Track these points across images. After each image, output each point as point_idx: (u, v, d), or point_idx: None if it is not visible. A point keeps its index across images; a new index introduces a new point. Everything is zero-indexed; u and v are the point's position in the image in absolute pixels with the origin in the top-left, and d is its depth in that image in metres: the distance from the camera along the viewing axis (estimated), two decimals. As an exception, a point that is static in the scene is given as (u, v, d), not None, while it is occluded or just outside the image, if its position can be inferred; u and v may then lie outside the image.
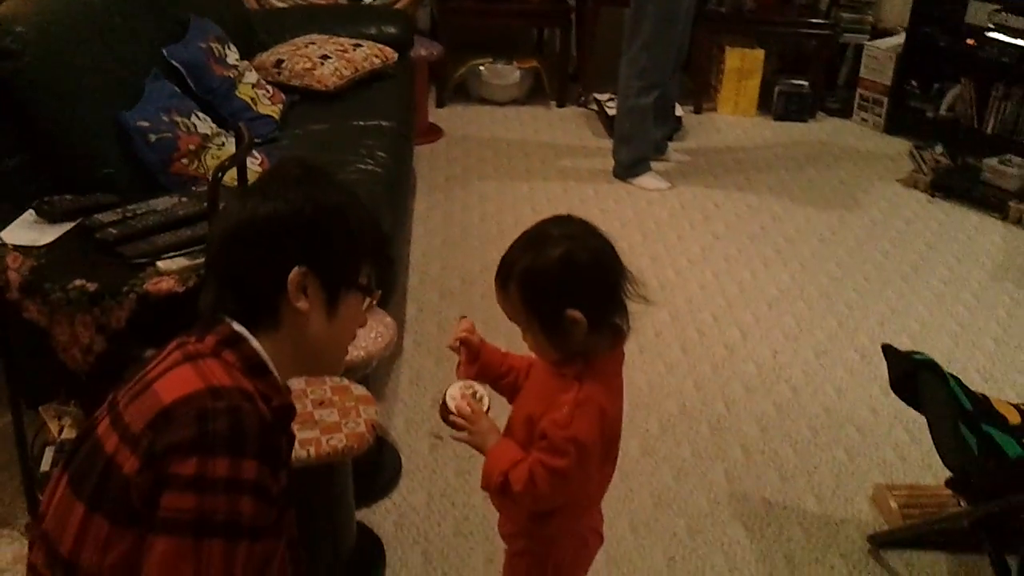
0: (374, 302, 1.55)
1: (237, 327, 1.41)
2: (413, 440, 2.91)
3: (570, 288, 1.60)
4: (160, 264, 2.24)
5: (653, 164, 4.83)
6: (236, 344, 1.40)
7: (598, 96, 5.60)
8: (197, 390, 1.31)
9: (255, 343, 1.41)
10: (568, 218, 1.68)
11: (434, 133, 5.26)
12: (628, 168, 4.77)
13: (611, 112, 5.12)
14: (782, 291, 3.85)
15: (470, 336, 1.83)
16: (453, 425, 1.74)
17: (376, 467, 2.76)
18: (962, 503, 2.49)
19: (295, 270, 1.40)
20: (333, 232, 1.45)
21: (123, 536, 1.29)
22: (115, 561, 1.30)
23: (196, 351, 1.38)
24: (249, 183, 2.68)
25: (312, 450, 2.12)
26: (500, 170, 4.88)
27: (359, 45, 4.30)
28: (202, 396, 1.30)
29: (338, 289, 1.47)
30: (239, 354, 1.39)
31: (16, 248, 2.28)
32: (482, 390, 1.78)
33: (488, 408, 1.76)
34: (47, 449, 2.47)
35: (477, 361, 1.83)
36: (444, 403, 1.75)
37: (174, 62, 3.42)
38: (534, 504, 1.72)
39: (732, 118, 5.74)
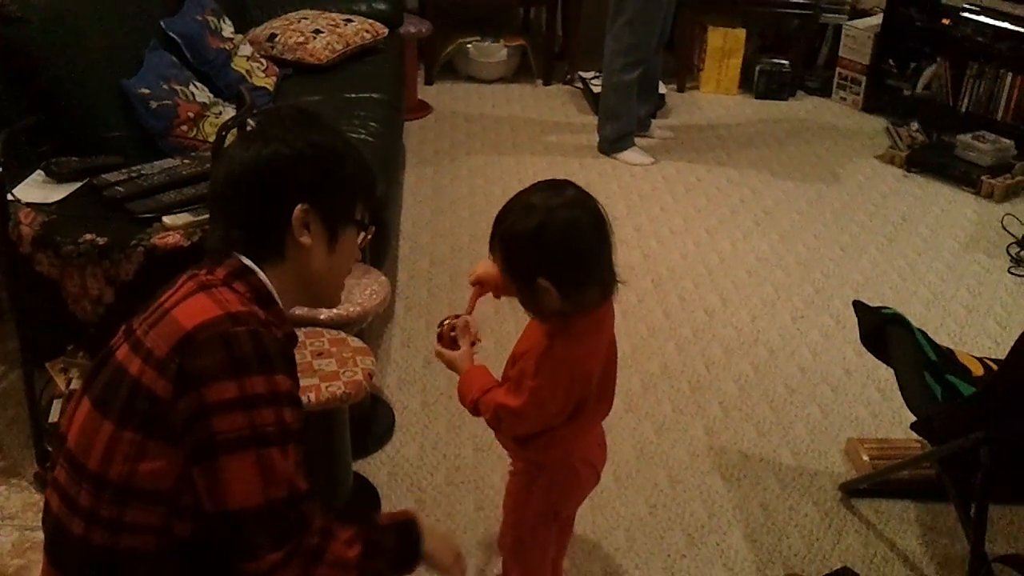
0: (368, 237, 1.65)
1: (245, 260, 1.50)
2: (405, 397, 3.02)
3: (539, 259, 1.70)
4: (166, 220, 2.34)
5: (637, 140, 4.94)
6: (245, 276, 1.49)
7: (583, 74, 5.70)
8: (217, 316, 1.40)
9: (262, 275, 1.50)
10: (559, 185, 1.76)
11: (423, 109, 5.36)
12: (612, 143, 4.89)
13: (596, 89, 5.22)
14: (761, 260, 3.98)
15: (487, 277, 1.95)
16: (439, 339, 1.95)
17: (370, 421, 2.87)
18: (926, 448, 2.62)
19: (298, 207, 1.50)
20: (331, 171, 1.54)
21: (153, 449, 1.39)
22: (144, 475, 1.39)
23: (208, 281, 1.47)
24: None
25: (312, 396, 2.23)
26: (488, 145, 4.98)
27: (350, 20, 4.39)
28: (222, 321, 1.39)
29: (337, 224, 1.56)
30: (248, 285, 1.48)
31: (28, 205, 2.37)
32: (475, 326, 1.93)
33: (475, 341, 1.93)
34: (55, 402, 2.56)
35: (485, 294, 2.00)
36: (441, 323, 1.94)
37: (172, 33, 3.51)
38: (502, 432, 1.90)
39: (714, 96, 5.86)
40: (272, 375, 1.40)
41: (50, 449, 2.53)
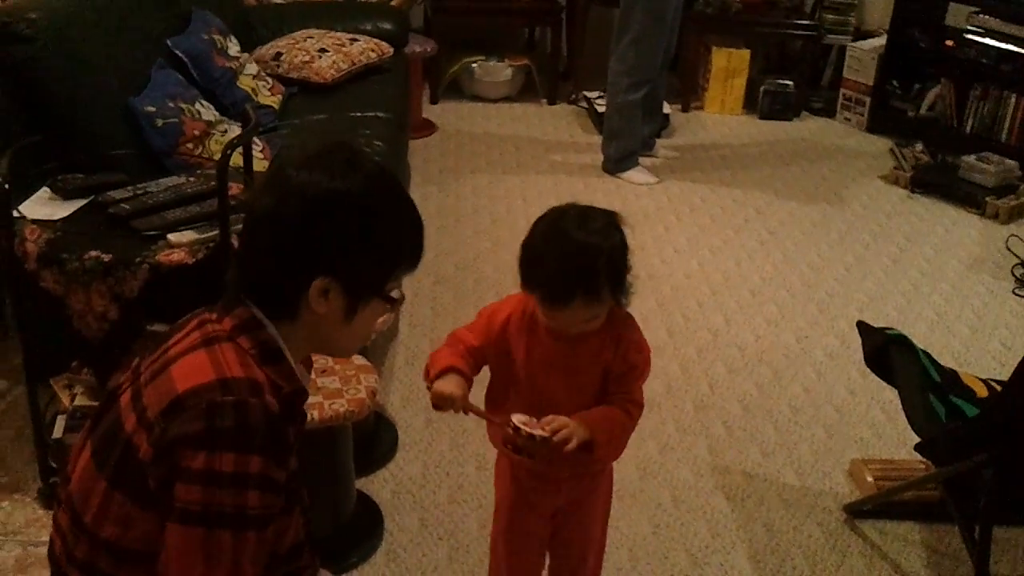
0: (396, 311, 1.58)
1: (256, 312, 1.43)
2: (409, 415, 3.02)
3: (616, 275, 1.76)
4: (171, 237, 2.35)
5: (641, 160, 4.95)
6: (253, 330, 1.42)
7: (588, 94, 5.72)
8: (208, 382, 1.34)
9: (272, 329, 1.44)
10: (588, 214, 1.77)
11: (428, 128, 5.38)
12: (617, 163, 4.90)
13: (601, 109, 5.24)
14: (765, 280, 3.98)
15: (458, 394, 1.80)
16: (519, 450, 1.77)
17: (374, 439, 2.87)
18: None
19: (319, 280, 1.41)
20: (369, 238, 1.43)
21: (142, 516, 1.36)
22: (136, 538, 1.37)
23: (214, 333, 1.42)
24: (254, 168, 2.80)
25: (315, 414, 2.24)
26: (492, 164, 5.00)
27: (355, 40, 4.41)
28: (212, 389, 1.34)
29: (360, 298, 1.47)
30: (254, 340, 1.42)
31: (33, 222, 2.38)
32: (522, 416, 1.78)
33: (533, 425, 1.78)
34: (59, 417, 2.56)
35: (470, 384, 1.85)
36: (515, 429, 1.74)
37: (178, 52, 3.53)
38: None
39: (719, 116, 5.87)
40: (245, 454, 1.33)
41: (54, 465, 2.54)
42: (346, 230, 1.41)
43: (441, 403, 1.79)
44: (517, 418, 1.75)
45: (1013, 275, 4.11)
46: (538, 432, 1.73)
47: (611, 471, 2.06)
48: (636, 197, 4.70)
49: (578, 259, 1.70)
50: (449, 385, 1.79)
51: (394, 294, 1.51)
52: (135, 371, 1.48)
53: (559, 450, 1.74)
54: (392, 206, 1.48)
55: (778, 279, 3.99)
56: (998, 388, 2.54)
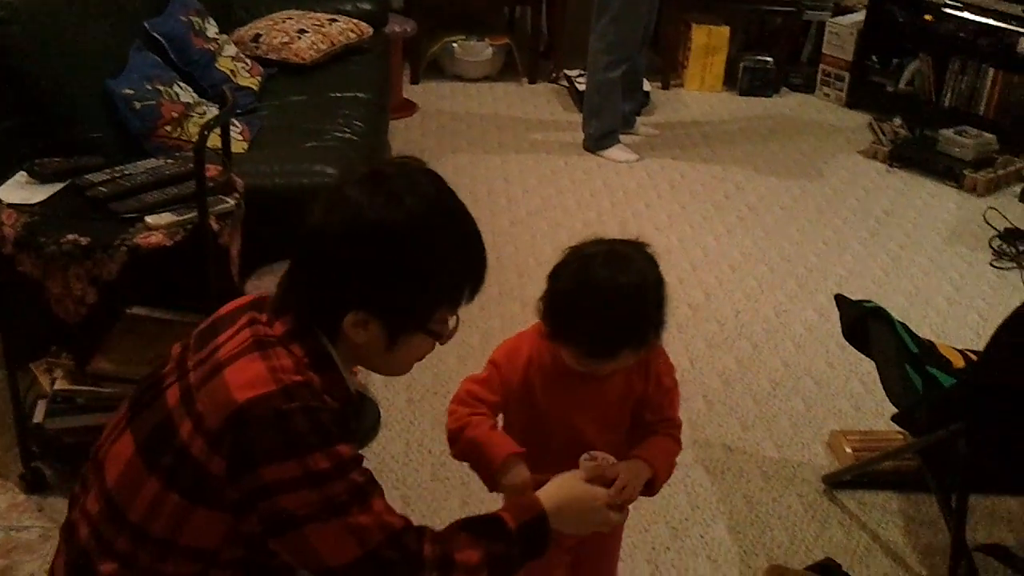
0: (442, 343, 1.51)
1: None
2: (391, 394, 3.03)
3: (655, 313, 1.68)
4: (149, 219, 2.34)
5: (622, 137, 4.96)
6: (304, 338, 1.41)
7: (568, 72, 5.72)
8: (269, 392, 1.33)
9: (324, 338, 1.43)
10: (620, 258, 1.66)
11: (409, 108, 5.37)
12: (597, 141, 4.91)
13: (581, 88, 5.23)
14: (745, 255, 4.00)
15: (527, 479, 1.68)
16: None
17: (357, 418, 2.88)
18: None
19: (351, 315, 1.39)
20: (410, 276, 1.40)
21: (201, 513, 1.36)
22: (189, 534, 1.37)
23: (267, 337, 1.40)
24: (233, 149, 2.80)
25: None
26: (473, 144, 5.00)
27: (335, 20, 4.39)
28: (275, 397, 1.33)
29: (401, 333, 1.44)
30: (306, 348, 1.40)
31: (10, 206, 2.38)
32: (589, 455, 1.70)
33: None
34: (39, 402, 2.56)
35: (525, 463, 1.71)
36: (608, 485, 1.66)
37: (156, 34, 3.51)
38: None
39: (699, 93, 5.88)
40: (332, 447, 1.34)
41: (35, 450, 2.54)
42: (386, 264, 1.38)
43: (516, 493, 1.67)
44: (587, 467, 1.66)
45: (991, 247, 4.14)
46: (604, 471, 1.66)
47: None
48: (617, 175, 4.71)
49: (621, 310, 1.59)
50: (520, 476, 1.66)
51: (443, 327, 1.47)
52: (180, 363, 1.46)
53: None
54: (443, 240, 1.42)
55: (757, 254, 4.02)
56: (974, 359, 2.56)
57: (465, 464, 1.75)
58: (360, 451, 1.42)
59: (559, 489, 1.60)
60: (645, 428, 1.79)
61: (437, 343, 1.51)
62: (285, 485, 1.32)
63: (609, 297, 1.59)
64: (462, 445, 1.72)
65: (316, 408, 1.35)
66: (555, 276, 1.65)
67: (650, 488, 1.76)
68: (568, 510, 1.59)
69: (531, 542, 1.52)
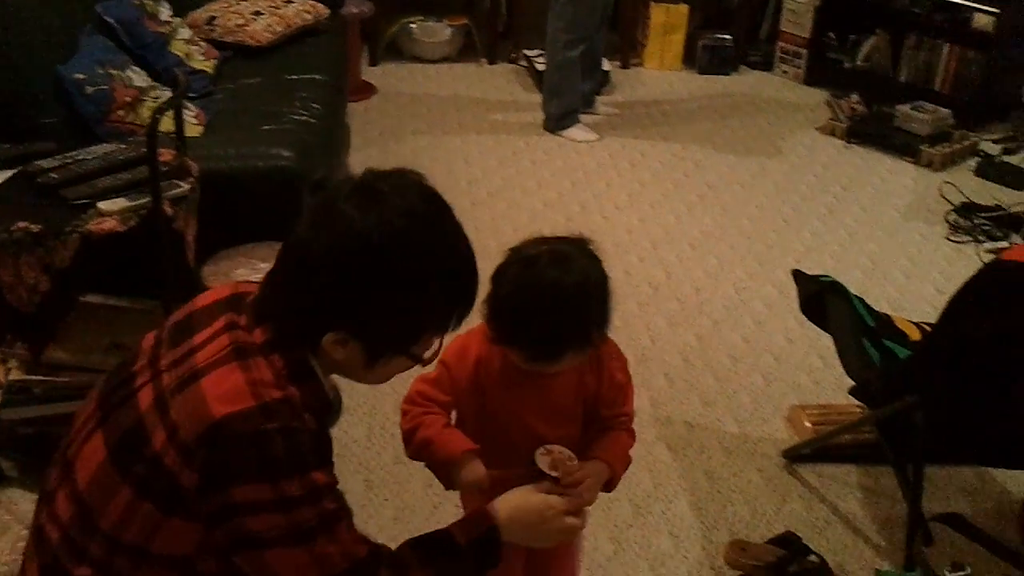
0: (423, 366, 1.49)
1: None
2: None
3: (600, 311, 1.66)
4: (102, 205, 2.32)
5: (582, 117, 4.96)
6: (285, 348, 1.37)
7: (528, 52, 5.70)
8: (249, 408, 1.29)
9: (304, 348, 1.39)
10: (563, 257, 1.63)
11: (367, 90, 5.33)
12: (557, 121, 4.90)
13: (540, 68, 5.22)
14: (704, 233, 4.02)
15: (484, 473, 1.68)
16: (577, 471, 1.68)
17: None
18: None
19: (329, 335, 1.36)
20: (393, 303, 1.37)
21: (172, 523, 1.33)
22: (163, 542, 1.34)
23: (246, 344, 1.36)
24: (188, 133, 2.77)
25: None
26: (433, 125, 4.98)
27: (290, 1, 4.35)
28: (254, 415, 1.29)
29: (380, 355, 1.42)
30: (286, 358, 1.36)
31: (-41, 194, 2.35)
32: (544, 450, 1.70)
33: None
34: (-6, 391, 2.54)
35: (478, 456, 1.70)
36: (555, 480, 1.65)
37: (107, 18, 3.46)
38: None
39: (658, 72, 5.88)
40: (307, 474, 1.31)
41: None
42: (372, 289, 1.34)
43: (470, 489, 1.69)
44: (542, 462, 1.66)
45: (947, 221, 4.19)
46: (564, 472, 1.66)
47: None
48: (577, 154, 4.71)
49: (564, 313, 1.58)
50: (476, 472, 1.66)
51: (426, 351, 1.45)
52: (152, 360, 1.41)
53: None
54: (434, 267, 1.38)
55: (717, 232, 4.04)
56: (930, 331, 2.60)
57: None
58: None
59: (512, 502, 1.58)
60: (601, 423, 1.80)
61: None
62: (255, 507, 1.29)
63: (552, 300, 1.58)
64: (416, 445, 1.72)
65: (295, 430, 1.31)
66: (497, 280, 1.62)
67: (608, 485, 1.77)
68: (521, 523, 1.57)
69: (482, 557, 1.52)
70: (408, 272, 1.35)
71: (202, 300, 1.49)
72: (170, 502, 1.32)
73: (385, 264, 1.33)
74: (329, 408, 1.45)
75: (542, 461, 1.66)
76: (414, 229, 1.35)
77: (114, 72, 3.14)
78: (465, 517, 1.58)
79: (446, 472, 1.69)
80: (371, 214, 1.33)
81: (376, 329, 1.38)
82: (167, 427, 1.32)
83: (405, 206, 1.36)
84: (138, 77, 3.26)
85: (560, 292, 1.57)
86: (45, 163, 2.47)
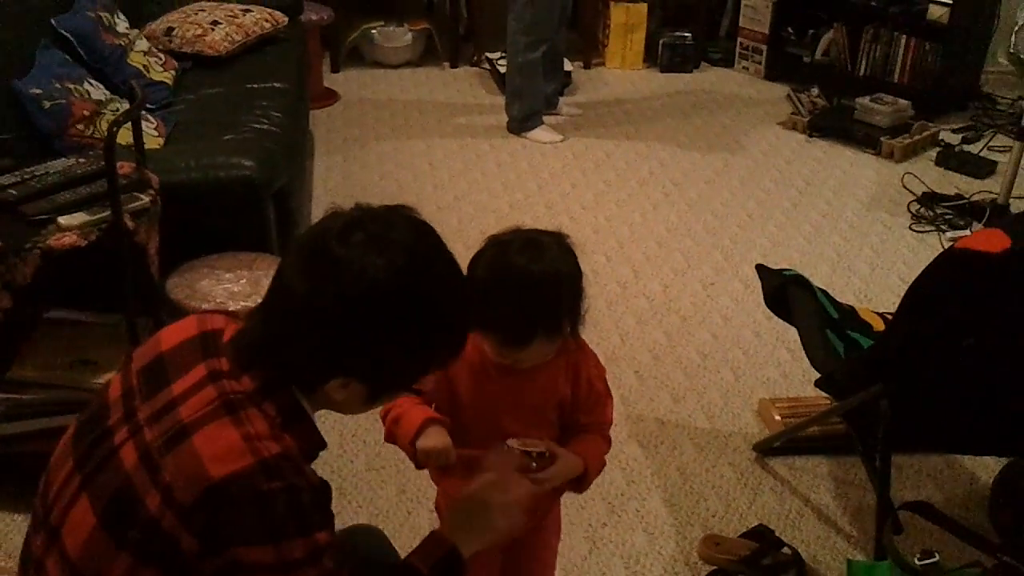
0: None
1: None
2: (322, 386, 3.01)
3: (569, 302, 1.67)
4: (61, 220, 2.30)
5: (545, 118, 4.97)
6: (276, 395, 1.33)
7: (490, 55, 5.70)
8: (247, 467, 1.24)
9: (297, 392, 1.36)
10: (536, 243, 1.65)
11: (329, 97, 5.32)
12: (521, 123, 4.91)
13: (503, 70, 5.22)
14: (670, 230, 4.04)
15: (448, 443, 1.68)
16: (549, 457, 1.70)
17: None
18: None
19: (334, 381, 1.33)
20: (396, 346, 1.34)
21: None
22: None
23: (234, 394, 1.31)
24: (147, 145, 2.75)
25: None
26: (397, 130, 4.97)
27: (248, 10, 4.33)
28: (254, 474, 1.24)
29: (382, 394, 1.42)
30: (279, 404, 1.33)
31: (-85, 214, 2.32)
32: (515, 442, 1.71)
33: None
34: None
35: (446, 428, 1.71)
36: (526, 454, 1.68)
37: (63, 31, 3.43)
38: None
39: (620, 71, 5.91)
40: (310, 535, 1.28)
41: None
42: (385, 338, 1.32)
43: (430, 459, 1.67)
44: (512, 443, 1.67)
45: (909, 211, 4.23)
46: (535, 450, 1.67)
47: (560, 503, 2.01)
48: (542, 156, 4.72)
49: (536, 294, 1.59)
50: (436, 438, 1.65)
51: (425, 383, 1.45)
52: (128, 413, 1.34)
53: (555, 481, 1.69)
54: (442, 309, 1.36)
55: (683, 228, 4.06)
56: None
57: (401, 453, 1.74)
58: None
59: (453, 512, 1.58)
60: (579, 428, 1.81)
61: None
62: (256, 568, 1.26)
63: (523, 281, 1.59)
64: (387, 425, 1.73)
65: (298, 488, 1.27)
66: (473, 265, 1.64)
67: (580, 484, 1.78)
68: (466, 518, 1.55)
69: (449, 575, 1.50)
70: (419, 313, 1.33)
71: (168, 339, 1.42)
72: (171, 566, 1.27)
73: (396, 309, 1.31)
74: (323, 445, 1.42)
75: (514, 443, 1.67)
76: (419, 269, 1.33)
77: (71, 86, 3.12)
78: (421, 544, 1.54)
79: (411, 443, 1.68)
80: (377, 258, 1.29)
81: (386, 372, 1.37)
82: (160, 489, 1.26)
83: (406, 245, 1.33)
84: (96, 90, 3.23)
85: (530, 274, 1.59)
86: (3, 179, 2.45)
